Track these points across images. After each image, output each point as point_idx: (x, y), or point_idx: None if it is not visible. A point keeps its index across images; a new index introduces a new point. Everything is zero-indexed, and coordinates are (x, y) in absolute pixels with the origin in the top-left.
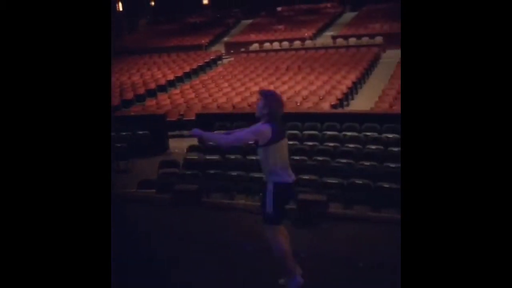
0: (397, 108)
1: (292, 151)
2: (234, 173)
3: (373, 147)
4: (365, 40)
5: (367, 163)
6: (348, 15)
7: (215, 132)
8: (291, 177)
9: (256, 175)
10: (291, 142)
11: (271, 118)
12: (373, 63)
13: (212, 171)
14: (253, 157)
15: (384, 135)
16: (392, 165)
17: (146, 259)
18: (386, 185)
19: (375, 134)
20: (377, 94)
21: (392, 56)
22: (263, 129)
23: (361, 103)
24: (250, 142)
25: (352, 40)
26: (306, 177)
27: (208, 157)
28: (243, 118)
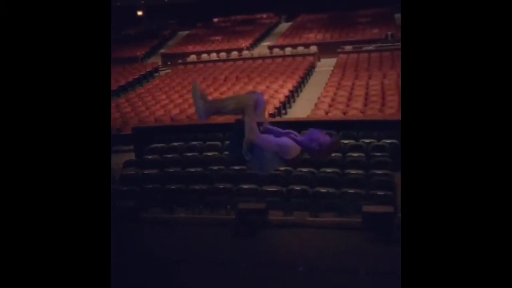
0: (333, 115)
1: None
2: (173, 187)
3: None
4: (300, 49)
5: (305, 170)
6: (284, 26)
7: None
8: None
9: (196, 187)
10: None
11: (310, 152)
12: (309, 71)
13: (150, 186)
14: (192, 170)
15: None
16: (328, 170)
17: None
18: (323, 190)
19: None
20: (313, 101)
21: (327, 65)
22: (294, 150)
23: (299, 111)
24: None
25: (288, 50)
26: (245, 186)
27: (145, 171)
28: (182, 130)
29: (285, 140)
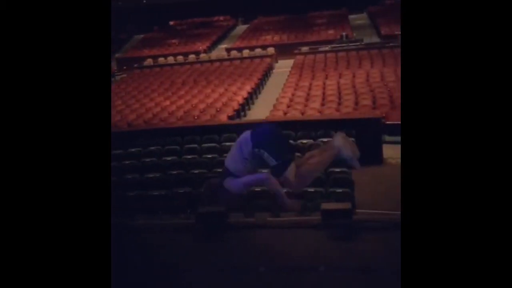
0: (291, 115)
1: (192, 164)
2: (131, 193)
3: None
4: (258, 51)
5: (265, 171)
6: (241, 28)
7: None
8: None
9: (155, 192)
10: (189, 156)
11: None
12: (267, 73)
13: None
14: (151, 175)
15: None
16: None
17: None
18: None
19: None
20: (272, 102)
21: (284, 66)
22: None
23: (258, 113)
24: None
25: (246, 52)
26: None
27: None
28: (139, 136)
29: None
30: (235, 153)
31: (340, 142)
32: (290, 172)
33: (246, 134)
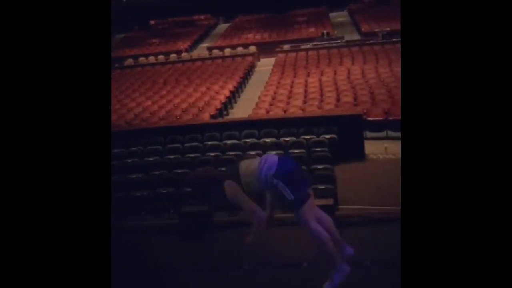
0: (274, 113)
1: (174, 164)
2: (120, 194)
3: (253, 152)
4: (239, 50)
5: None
6: (222, 26)
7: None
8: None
9: (138, 193)
10: (172, 156)
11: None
12: (249, 71)
13: None
14: (133, 176)
15: (262, 140)
16: None
17: None
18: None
19: (254, 140)
20: (254, 101)
21: (266, 64)
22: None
23: (240, 111)
24: None
25: (227, 51)
26: (189, 189)
27: None
28: (121, 136)
29: None
30: (255, 168)
31: (348, 270)
32: (307, 211)
33: (274, 159)
